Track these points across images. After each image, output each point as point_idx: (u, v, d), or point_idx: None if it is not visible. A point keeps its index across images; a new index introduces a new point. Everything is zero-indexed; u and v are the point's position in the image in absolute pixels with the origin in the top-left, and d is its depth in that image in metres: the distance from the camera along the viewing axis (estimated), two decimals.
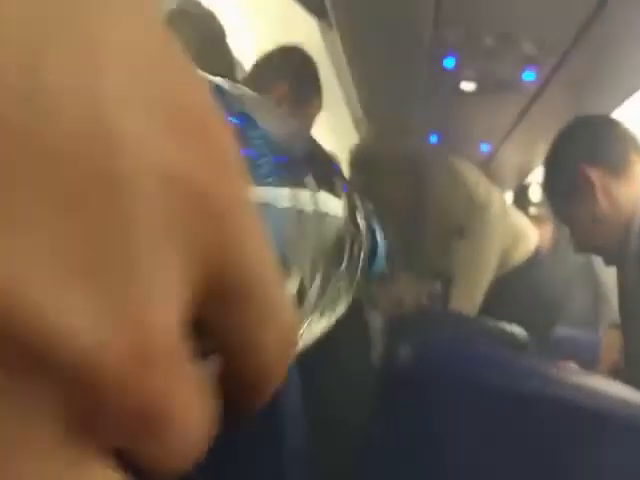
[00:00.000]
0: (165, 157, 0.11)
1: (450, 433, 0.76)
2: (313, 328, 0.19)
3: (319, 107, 1.75)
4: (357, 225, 0.22)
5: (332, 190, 0.20)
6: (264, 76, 1.62)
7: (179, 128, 0.12)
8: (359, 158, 2.38)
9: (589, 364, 1.42)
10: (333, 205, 0.20)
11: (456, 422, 0.75)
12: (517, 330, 1.50)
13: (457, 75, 2.12)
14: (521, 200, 3.33)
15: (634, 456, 0.72)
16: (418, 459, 0.78)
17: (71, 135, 0.10)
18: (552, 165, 1.33)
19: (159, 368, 0.11)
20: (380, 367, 0.87)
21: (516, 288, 2.04)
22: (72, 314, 0.10)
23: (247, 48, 2.62)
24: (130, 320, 0.10)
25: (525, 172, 3.29)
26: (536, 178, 3.66)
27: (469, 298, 1.90)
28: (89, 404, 0.10)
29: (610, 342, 1.45)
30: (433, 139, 2.84)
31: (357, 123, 3.20)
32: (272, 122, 0.19)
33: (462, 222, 2.02)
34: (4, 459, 0.09)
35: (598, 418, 0.73)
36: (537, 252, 2.14)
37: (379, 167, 2.26)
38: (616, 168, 1.21)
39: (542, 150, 1.41)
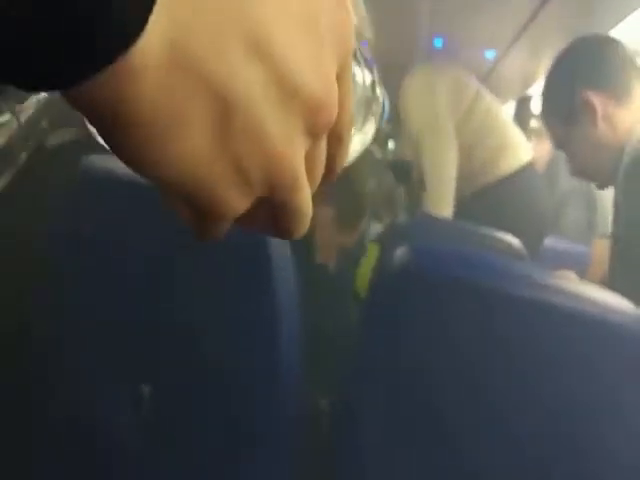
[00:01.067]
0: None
1: (442, 336, 0.77)
2: (355, 138, 0.30)
3: None
4: (375, 90, 0.31)
5: (358, 63, 0.29)
6: None
7: None
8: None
9: (580, 275, 1.44)
10: (359, 74, 0.29)
11: (448, 324, 0.77)
12: (513, 240, 1.51)
13: None
14: (522, 111, 3.28)
15: (627, 361, 0.73)
16: (411, 361, 0.79)
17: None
18: (552, 89, 1.30)
19: (334, 111, 0.23)
20: (376, 270, 0.87)
21: (505, 197, 2.08)
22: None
23: None
24: (330, 88, 0.23)
25: (530, 81, 3.20)
26: (539, 89, 3.57)
27: (438, 203, 2.03)
28: (314, 122, 0.22)
29: (599, 252, 1.46)
30: (438, 43, 2.74)
31: (360, 23, 3.09)
32: None
33: (421, 137, 2.12)
34: (292, 149, 0.22)
35: (594, 324, 0.74)
36: (529, 164, 2.13)
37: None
38: (618, 93, 1.19)
39: (548, 59, 1.35)
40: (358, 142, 0.31)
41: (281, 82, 0.21)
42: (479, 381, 0.76)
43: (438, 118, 2.10)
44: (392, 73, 2.25)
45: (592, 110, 1.20)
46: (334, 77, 0.23)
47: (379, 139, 3.15)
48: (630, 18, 2.07)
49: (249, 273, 0.76)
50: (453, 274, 0.77)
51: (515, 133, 2.20)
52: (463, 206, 2.13)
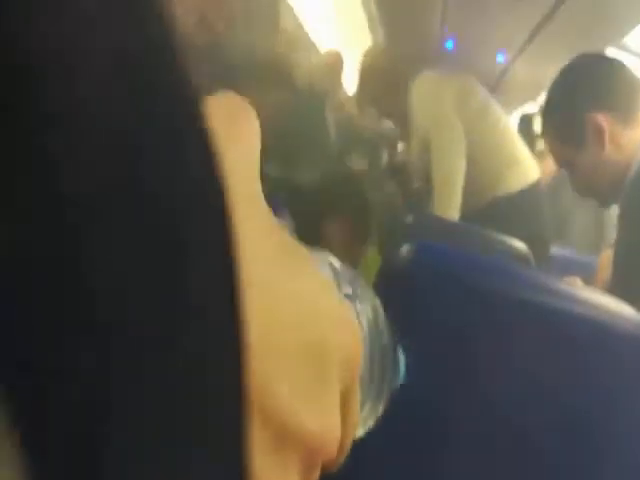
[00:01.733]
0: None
1: (446, 336, 0.75)
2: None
3: None
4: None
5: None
6: None
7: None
8: (367, 64, 2.35)
9: (585, 282, 1.42)
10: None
11: (453, 325, 0.74)
12: (518, 244, 1.48)
13: None
14: (524, 128, 3.24)
15: (632, 366, 0.72)
16: (416, 359, 0.77)
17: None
18: (556, 110, 1.27)
19: (333, 447, 0.20)
20: (381, 267, 0.85)
21: (511, 215, 2.04)
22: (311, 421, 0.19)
23: None
24: (332, 423, 0.20)
25: (541, 86, 3.17)
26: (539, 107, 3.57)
27: (445, 202, 2.02)
28: (312, 460, 0.20)
29: (606, 262, 1.44)
30: (449, 45, 2.73)
31: (373, 26, 3.07)
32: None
33: (429, 136, 2.11)
34: None
35: (600, 330, 0.73)
36: (537, 182, 2.10)
37: (382, 78, 2.27)
38: (625, 114, 1.17)
39: (557, 67, 1.32)
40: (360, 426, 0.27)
41: (273, 421, 0.18)
42: (484, 381, 0.74)
43: (447, 117, 2.09)
44: (404, 74, 2.25)
45: (600, 132, 1.17)
46: (336, 409, 0.21)
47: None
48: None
49: None
50: (459, 274, 0.75)
51: (523, 149, 2.17)
52: (469, 219, 2.09)
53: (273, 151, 2.00)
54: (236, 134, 0.20)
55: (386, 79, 2.27)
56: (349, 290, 0.25)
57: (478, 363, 0.73)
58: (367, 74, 2.34)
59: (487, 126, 2.14)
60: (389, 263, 0.78)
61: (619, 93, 1.19)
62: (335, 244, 1.49)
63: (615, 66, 1.24)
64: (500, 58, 2.76)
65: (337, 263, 0.26)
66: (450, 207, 2.03)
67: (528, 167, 2.12)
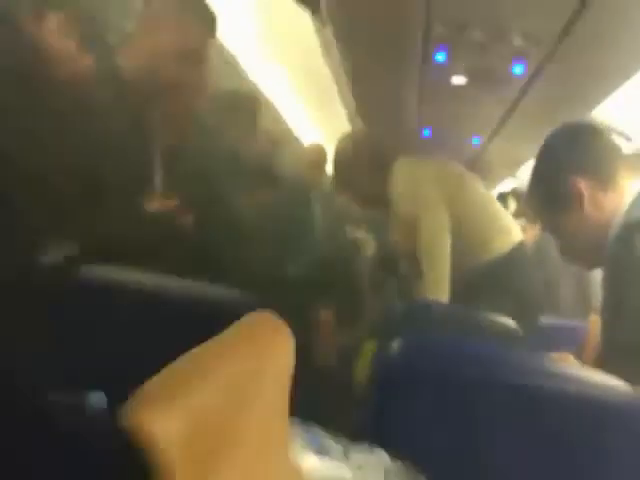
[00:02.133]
0: None
1: (439, 428, 0.75)
2: None
3: None
4: None
5: None
6: None
7: None
8: (343, 150, 2.39)
9: (576, 352, 1.42)
10: None
11: (440, 418, 0.74)
12: (508, 322, 1.49)
13: (448, 69, 2.11)
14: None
15: (629, 441, 0.72)
16: (411, 454, 0.76)
17: None
18: (540, 176, 1.34)
19: None
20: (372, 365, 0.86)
21: (499, 277, 2.09)
22: None
23: (246, 44, 2.60)
24: None
25: (516, 165, 3.28)
26: (524, 174, 3.67)
27: (435, 285, 2.03)
28: None
29: (595, 327, 1.45)
30: (426, 133, 2.83)
31: (351, 118, 3.19)
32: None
33: (414, 220, 2.14)
34: None
35: (597, 406, 0.72)
36: (520, 244, 2.14)
37: (356, 162, 2.31)
38: (604, 179, 1.23)
39: (532, 143, 1.39)
40: None
41: None
42: (480, 472, 0.73)
43: (431, 199, 2.14)
44: (382, 159, 2.32)
45: (580, 196, 1.22)
46: None
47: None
48: (610, 99, 2.14)
49: None
50: (445, 367, 0.75)
51: (504, 214, 2.23)
52: (458, 285, 2.13)
53: (261, 247, 2.03)
54: (272, 354, 0.26)
55: (363, 163, 2.33)
56: None
57: (476, 451, 0.72)
58: (344, 158, 2.40)
59: (468, 199, 2.21)
60: (379, 363, 0.79)
61: (598, 159, 1.25)
62: (321, 330, 1.49)
63: (594, 133, 1.30)
64: (475, 141, 2.87)
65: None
66: (441, 288, 2.05)
67: (512, 232, 2.17)
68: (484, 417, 0.73)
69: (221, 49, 2.44)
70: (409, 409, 0.74)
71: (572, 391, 0.73)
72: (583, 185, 1.23)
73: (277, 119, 3.28)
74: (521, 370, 0.77)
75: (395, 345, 0.77)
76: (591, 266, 1.37)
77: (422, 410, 0.74)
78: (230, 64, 2.58)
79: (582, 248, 1.29)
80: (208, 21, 1.42)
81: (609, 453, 0.72)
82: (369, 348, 1.55)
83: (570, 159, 1.26)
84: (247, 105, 1.97)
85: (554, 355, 1.22)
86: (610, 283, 1.25)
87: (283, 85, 3.21)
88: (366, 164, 2.33)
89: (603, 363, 1.19)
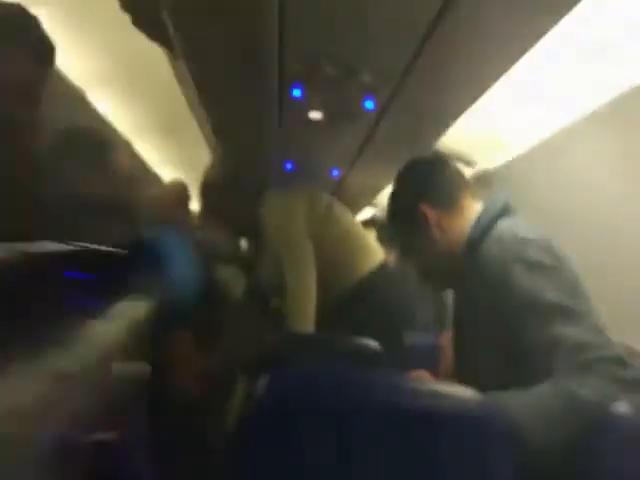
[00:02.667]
0: None
1: (308, 459, 0.74)
2: None
3: None
4: None
5: None
6: None
7: None
8: (208, 181, 2.37)
9: (434, 367, 1.49)
10: None
11: (310, 448, 0.74)
12: (370, 343, 1.53)
13: (305, 104, 2.16)
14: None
15: (483, 444, 0.75)
16: None
17: None
18: (395, 206, 1.45)
19: None
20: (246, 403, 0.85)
21: (365, 296, 2.17)
22: None
23: (96, 80, 2.50)
24: None
25: (374, 193, 3.41)
26: (377, 210, 3.85)
27: (300, 320, 2.08)
28: None
29: (446, 342, 1.55)
30: (288, 167, 2.87)
31: (213, 155, 3.17)
32: None
33: (280, 255, 2.19)
34: None
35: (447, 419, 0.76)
36: (383, 266, 2.23)
37: (225, 191, 2.31)
38: (448, 205, 1.34)
39: (387, 172, 1.48)
40: None
41: None
42: None
43: (297, 236, 2.18)
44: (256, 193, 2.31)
45: (426, 221, 1.33)
46: None
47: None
48: (455, 128, 2.30)
49: None
50: (304, 401, 0.77)
51: (368, 237, 2.31)
52: (328, 310, 2.18)
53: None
54: None
55: (234, 193, 2.31)
56: None
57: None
58: (213, 187, 2.36)
59: (335, 228, 2.28)
60: (248, 399, 0.79)
61: (441, 188, 1.36)
62: (178, 349, 1.43)
63: (438, 165, 1.42)
64: (335, 173, 2.95)
65: None
66: (305, 321, 2.10)
67: (375, 254, 2.25)
68: (344, 443, 0.74)
69: (68, 85, 2.33)
70: (277, 442, 0.74)
71: (425, 406, 0.77)
72: (429, 212, 1.33)
73: (134, 157, 3.17)
74: (376, 390, 0.79)
75: (262, 381, 0.77)
76: (440, 289, 1.48)
77: (291, 442, 0.74)
78: (79, 100, 2.47)
79: (435, 270, 1.38)
80: (41, 52, 1.31)
81: (464, 458, 0.75)
82: (240, 390, 1.53)
83: (417, 190, 1.37)
84: (89, 140, 1.87)
85: (411, 373, 1.29)
86: (456, 299, 1.35)
87: (140, 123, 3.13)
88: (236, 194, 2.31)
89: (455, 375, 1.28)
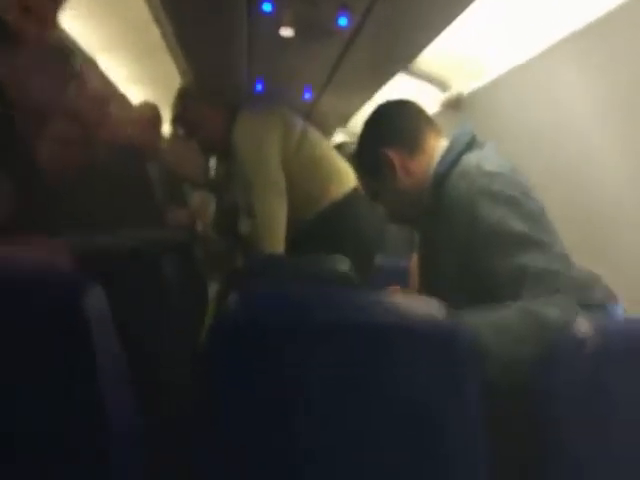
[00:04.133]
0: None
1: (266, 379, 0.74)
2: None
3: None
4: None
5: None
6: None
7: None
8: (181, 90, 2.31)
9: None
10: None
11: (274, 367, 0.74)
12: (342, 264, 1.53)
13: (276, 20, 2.05)
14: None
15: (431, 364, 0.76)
16: (244, 410, 0.74)
17: None
18: (361, 150, 1.41)
19: None
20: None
21: (336, 221, 2.16)
22: None
23: None
24: None
25: (346, 117, 3.34)
26: (349, 133, 3.77)
27: (271, 245, 2.06)
28: None
29: (414, 266, 1.55)
30: (259, 87, 2.77)
31: (183, 74, 3.03)
32: None
33: (250, 182, 2.13)
34: None
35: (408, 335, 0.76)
36: (355, 189, 2.20)
37: (197, 100, 2.24)
38: (412, 147, 1.31)
39: (360, 94, 1.41)
40: None
41: None
42: (311, 413, 0.74)
43: (267, 170, 2.13)
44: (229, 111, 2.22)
45: (391, 164, 1.30)
46: None
47: None
48: (431, 51, 2.22)
49: (66, 337, 0.65)
50: (268, 317, 0.76)
51: (340, 162, 2.26)
52: (300, 234, 2.16)
53: (96, 212, 1.87)
54: None
55: (206, 108, 2.23)
56: None
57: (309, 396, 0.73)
58: (181, 97, 2.25)
59: (308, 147, 2.21)
60: (216, 316, 0.78)
61: (403, 130, 1.33)
62: None
63: (400, 107, 1.38)
64: (307, 95, 2.86)
65: None
66: (275, 245, 2.08)
67: (347, 179, 2.22)
68: (311, 360, 0.74)
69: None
70: (245, 358, 0.73)
71: (392, 320, 0.77)
72: (393, 155, 1.30)
73: (101, 76, 3.02)
74: (341, 307, 0.79)
75: (231, 298, 0.75)
76: (412, 225, 1.48)
77: (253, 359, 0.73)
78: None
79: (401, 212, 1.37)
80: None
81: (431, 373, 0.76)
82: (211, 309, 1.53)
83: (381, 133, 1.34)
84: (56, 50, 1.76)
85: (384, 291, 1.29)
86: (422, 236, 1.34)
87: (106, 41, 2.95)
88: (209, 109, 2.22)
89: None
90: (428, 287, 1.32)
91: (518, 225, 1.07)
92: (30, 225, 1.26)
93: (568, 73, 1.96)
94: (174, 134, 2.77)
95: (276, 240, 2.10)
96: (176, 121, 2.33)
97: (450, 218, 1.18)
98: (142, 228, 1.87)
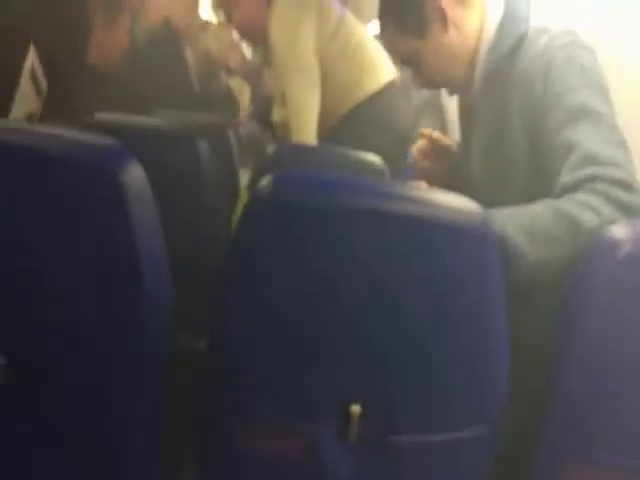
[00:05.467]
0: None
1: (301, 259, 0.74)
2: None
3: None
4: None
5: None
6: None
7: None
8: None
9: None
10: None
11: (305, 245, 0.74)
12: (374, 158, 1.49)
13: None
14: None
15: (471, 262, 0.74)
16: (275, 288, 0.75)
17: None
18: (396, 2, 1.17)
19: None
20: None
21: (370, 116, 2.10)
22: None
23: None
24: None
25: None
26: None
27: (302, 136, 1.99)
28: None
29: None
30: None
31: None
32: None
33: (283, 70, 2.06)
34: None
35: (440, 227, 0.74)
36: (391, 82, 2.12)
37: None
38: None
39: None
40: None
41: None
42: (342, 298, 0.75)
43: (301, 57, 2.04)
44: None
45: (443, 16, 1.10)
46: None
47: None
48: None
49: (103, 207, 0.65)
50: (303, 197, 0.74)
51: (378, 53, 2.16)
52: (333, 127, 2.12)
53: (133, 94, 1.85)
54: None
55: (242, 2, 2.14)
56: None
57: (333, 280, 0.73)
58: None
59: (344, 35, 2.11)
60: (251, 197, 0.77)
61: None
62: None
63: None
64: None
65: None
66: (306, 136, 2.01)
67: (383, 72, 2.14)
68: (340, 243, 0.74)
69: None
70: (270, 240, 0.73)
71: (422, 211, 0.75)
72: (445, 3, 1.09)
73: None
74: (376, 194, 0.77)
75: (263, 180, 0.74)
76: (456, 90, 1.25)
77: (282, 241, 0.73)
78: None
79: (445, 75, 1.17)
80: None
81: (460, 265, 0.75)
82: (243, 197, 1.52)
83: None
84: None
85: (410, 183, 1.21)
86: (465, 116, 1.22)
87: None
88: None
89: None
90: (469, 183, 1.19)
91: (584, 93, 0.98)
92: (75, 109, 1.25)
93: None
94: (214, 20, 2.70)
95: (308, 131, 2.03)
96: (216, 5, 2.25)
97: (525, 81, 1.04)
98: (179, 109, 1.85)
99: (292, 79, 2.03)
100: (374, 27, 3.50)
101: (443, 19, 1.11)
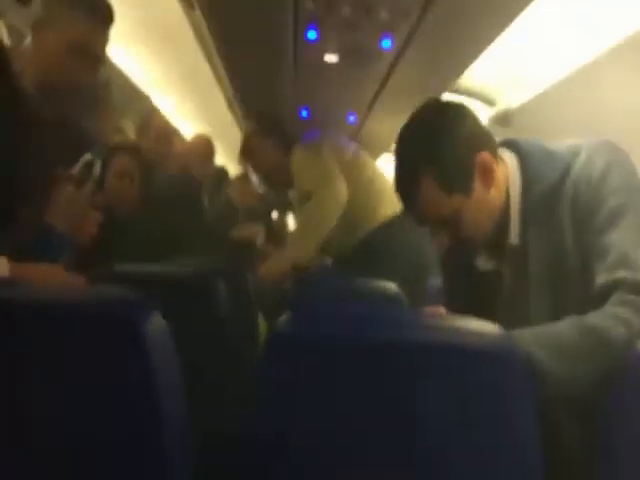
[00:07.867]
0: None
1: (318, 395, 0.72)
2: None
3: None
4: None
5: None
6: None
7: None
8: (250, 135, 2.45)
9: None
10: None
11: (324, 382, 0.72)
12: (388, 285, 1.49)
13: (320, 47, 2.06)
14: None
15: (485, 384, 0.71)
16: (296, 424, 0.72)
17: None
18: (439, 157, 1.06)
19: None
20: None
21: (386, 241, 2.15)
22: None
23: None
24: None
25: (392, 139, 3.31)
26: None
27: (302, 247, 2.11)
28: None
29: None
30: (304, 113, 2.79)
31: (230, 103, 3.09)
32: None
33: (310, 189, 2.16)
34: None
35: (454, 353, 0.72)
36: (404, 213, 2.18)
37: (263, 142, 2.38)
38: (494, 150, 1.10)
39: (406, 117, 1.29)
40: None
41: None
42: (363, 434, 0.71)
43: (331, 175, 2.15)
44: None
45: (489, 171, 1.07)
46: None
47: None
48: (473, 66, 2.19)
49: (123, 353, 0.65)
50: (320, 332, 0.73)
51: (391, 183, 2.26)
52: (349, 253, 2.17)
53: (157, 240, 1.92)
54: None
55: (269, 144, 2.33)
56: None
57: (353, 416, 0.70)
58: (252, 140, 2.39)
59: (361, 170, 2.26)
60: (271, 333, 0.77)
61: (488, 132, 1.12)
62: None
63: (467, 109, 1.13)
64: (351, 119, 2.86)
65: None
66: (308, 247, 2.12)
67: (398, 202, 2.21)
68: (358, 375, 0.72)
69: None
70: (289, 374, 0.71)
71: (437, 340, 0.73)
72: (489, 159, 1.07)
73: (164, 119, 3.11)
74: (391, 325, 0.75)
75: (283, 317, 0.74)
76: (483, 245, 1.17)
77: (303, 375, 0.71)
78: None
79: (483, 229, 1.11)
80: (100, 14, 1.30)
81: (485, 392, 0.72)
82: (263, 326, 1.53)
83: (466, 136, 1.07)
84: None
85: (426, 309, 1.16)
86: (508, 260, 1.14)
87: (159, 78, 3.04)
88: (271, 144, 2.32)
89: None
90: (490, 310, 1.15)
91: (626, 241, 0.97)
92: (99, 256, 1.29)
93: (619, 83, 1.89)
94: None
95: (311, 244, 2.11)
96: (243, 157, 2.43)
97: (574, 200, 1.03)
98: (197, 253, 1.91)
99: (321, 197, 2.12)
100: (385, 161, 3.68)
101: (489, 175, 1.08)
